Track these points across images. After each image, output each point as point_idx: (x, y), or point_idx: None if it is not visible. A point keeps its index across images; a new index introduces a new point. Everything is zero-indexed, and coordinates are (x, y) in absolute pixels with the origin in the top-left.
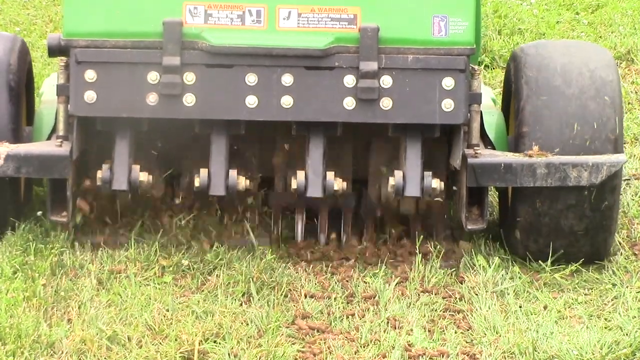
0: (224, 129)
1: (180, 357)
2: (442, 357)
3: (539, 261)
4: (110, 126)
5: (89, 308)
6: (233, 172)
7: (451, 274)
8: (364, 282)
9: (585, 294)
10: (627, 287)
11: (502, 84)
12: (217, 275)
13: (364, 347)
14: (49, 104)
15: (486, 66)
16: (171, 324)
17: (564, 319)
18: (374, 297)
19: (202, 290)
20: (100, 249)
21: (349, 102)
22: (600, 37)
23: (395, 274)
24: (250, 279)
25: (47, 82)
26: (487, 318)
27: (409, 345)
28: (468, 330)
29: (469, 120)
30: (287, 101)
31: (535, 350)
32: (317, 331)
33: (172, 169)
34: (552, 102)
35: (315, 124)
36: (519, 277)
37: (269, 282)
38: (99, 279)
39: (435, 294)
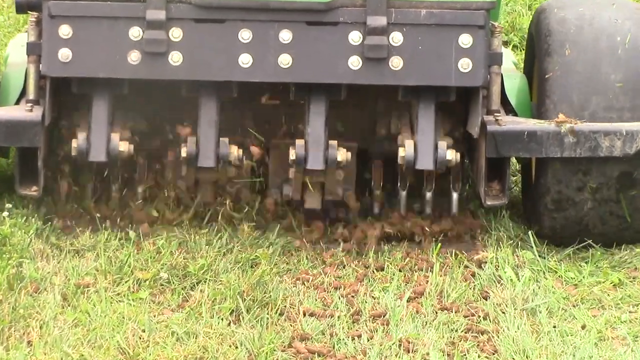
0: (214, 91)
1: None
2: None
3: (568, 246)
4: (87, 88)
5: (52, 328)
6: (224, 141)
7: (474, 288)
8: (372, 297)
9: (630, 312)
10: None
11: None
12: (201, 290)
13: None
14: (16, 66)
15: (514, 46)
16: (148, 347)
17: (605, 340)
18: (384, 316)
19: (184, 308)
20: (67, 257)
21: (355, 62)
22: None
23: (408, 288)
24: (240, 295)
25: (13, 42)
26: (515, 340)
27: None
28: (494, 354)
29: (489, 83)
30: (285, 60)
31: None
32: (318, 355)
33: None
34: (582, 62)
35: (316, 86)
36: (553, 292)
37: (262, 297)
38: (63, 294)
39: (455, 312)
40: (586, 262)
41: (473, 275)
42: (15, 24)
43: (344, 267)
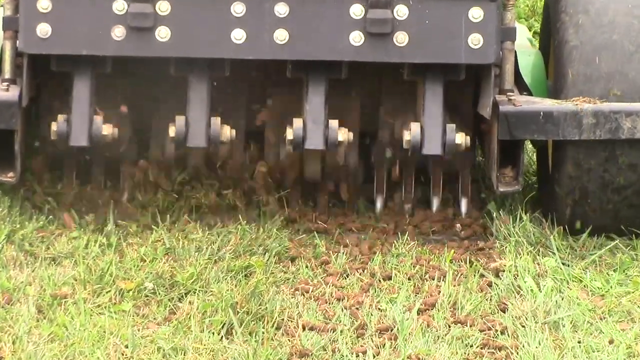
0: (205, 69)
1: None
2: None
3: (591, 237)
4: (68, 66)
5: (27, 343)
6: (216, 120)
7: (490, 300)
8: (379, 309)
9: None
10: None
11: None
12: (189, 301)
13: None
14: None
15: (535, 33)
16: None
17: (634, 356)
18: (392, 330)
19: (171, 321)
20: (43, 265)
21: (356, 38)
22: None
23: (418, 299)
24: (233, 307)
25: None
26: (537, 357)
27: None
28: None
29: (501, 60)
30: (281, 36)
31: None
32: None
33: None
34: (602, 36)
35: (315, 63)
36: (577, 304)
37: (257, 310)
38: (38, 306)
39: (470, 326)
40: (614, 270)
41: (490, 285)
42: None
43: (347, 276)
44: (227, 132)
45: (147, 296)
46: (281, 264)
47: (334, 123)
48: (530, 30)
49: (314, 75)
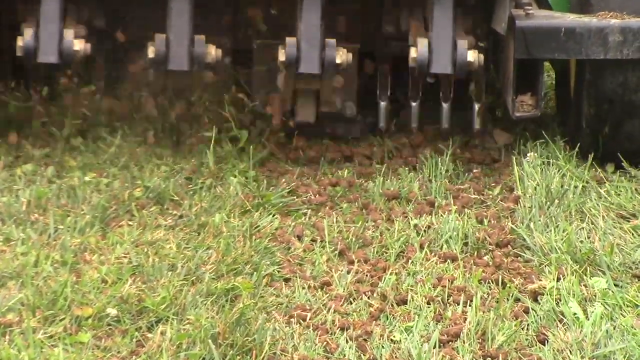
0: None
1: None
2: None
3: (616, 167)
4: None
5: None
6: (200, 39)
7: (527, 329)
8: (391, 340)
9: None
10: None
11: None
12: (161, 331)
13: None
14: None
15: None
16: None
17: None
18: None
19: (139, 355)
20: None
21: None
22: None
23: (439, 328)
24: (213, 338)
25: None
26: None
27: None
28: None
29: None
30: None
31: None
32: None
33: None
34: None
35: None
36: (633, 334)
37: (243, 342)
38: None
39: None
40: None
41: (526, 311)
42: None
43: (353, 300)
44: (214, 53)
45: (109, 325)
46: (272, 285)
47: (331, 43)
48: None
49: None
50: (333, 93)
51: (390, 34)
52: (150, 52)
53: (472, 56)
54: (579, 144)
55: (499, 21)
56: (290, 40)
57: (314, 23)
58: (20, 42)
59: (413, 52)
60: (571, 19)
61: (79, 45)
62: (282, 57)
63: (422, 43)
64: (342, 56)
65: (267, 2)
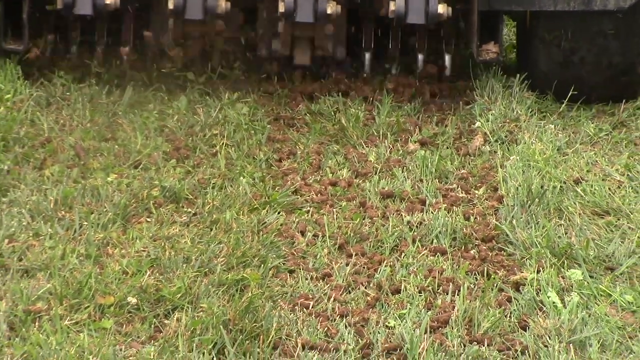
0: None
1: None
2: None
3: (571, 107)
4: None
5: None
6: None
7: (510, 316)
8: (386, 326)
9: None
10: None
11: None
12: (177, 318)
13: None
14: None
15: None
16: None
17: None
18: (400, 349)
19: (157, 340)
20: (15, 277)
21: None
22: None
23: (430, 315)
24: (225, 324)
25: None
26: None
27: None
28: None
29: None
30: None
31: None
32: None
33: None
34: None
35: None
36: (606, 321)
37: (251, 328)
38: (10, 323)
39: (487, 345)
40: None
41: (509, 300)
42: None
43: (351, 290)
44: (224, 4)
45: (130, 312)
46: (278, 277)
47: None
48: None
49: None
50: (325, 39)
51: None
52: (170, 4)
53: (442, 9)
54: (537, 84)
55: None
56: None
57: None
58: None
59: (392, 6)
60: None
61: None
62: (281, 8)
63: None
64: (332, 7)
65: None
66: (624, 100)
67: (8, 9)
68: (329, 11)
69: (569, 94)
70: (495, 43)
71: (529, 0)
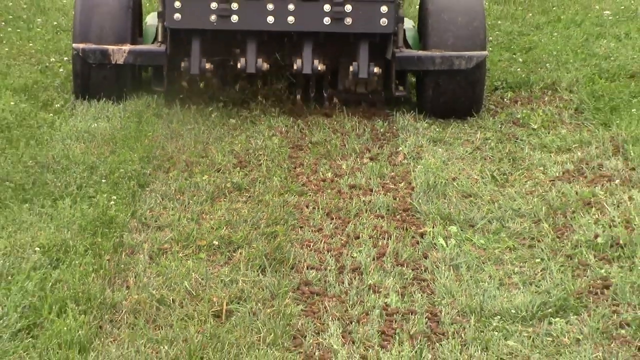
0: None
1: (212, 314)
2: (412, 315)
3: (442, 118)
4: (186, 33)
5: (143, 277)
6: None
7: (418, 252)
8: (352, 257)
9: (520, 266)
10: (552, 254)
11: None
12: (240, 252)
13: (352, 307)
14: (151, 25)
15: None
16: (205, 289)
17: (504, 285)
18: (359, 269)
19: (229, 264)
20: (152, 230)
21: (327, 20)
22: (531, 71)
23: (375, 251)
24: (265, 256)
25: (148, 16)
26: (445, 285)
27: (386, 305)
28: (431, 294)
29: (397, 32)
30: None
31: (482, 310)
32: (316, 295)
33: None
34: (445, 22)
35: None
36: (470, 254)
37: (280, 257)
38: (150, 255)
39: (406, 267)
40: (492, 234)
41: (417, 242)
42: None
43: (333, 236)
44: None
45: (214, 249)
46: (294, 230)
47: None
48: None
49: (307, 39)
50: None
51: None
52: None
53: (377, 70)
54: (423, 109)
55: (388, 54)
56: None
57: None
58: (182, 64)
59: (351, 67)
60: (420, 52)
61: (208, 65)
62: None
63: (355, 64)
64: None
65: None
66: (479, 133)
67: (156, 70)
68: (319, 68)
69: (439, 113)
70: (403, 87)
71: (420, 65)
